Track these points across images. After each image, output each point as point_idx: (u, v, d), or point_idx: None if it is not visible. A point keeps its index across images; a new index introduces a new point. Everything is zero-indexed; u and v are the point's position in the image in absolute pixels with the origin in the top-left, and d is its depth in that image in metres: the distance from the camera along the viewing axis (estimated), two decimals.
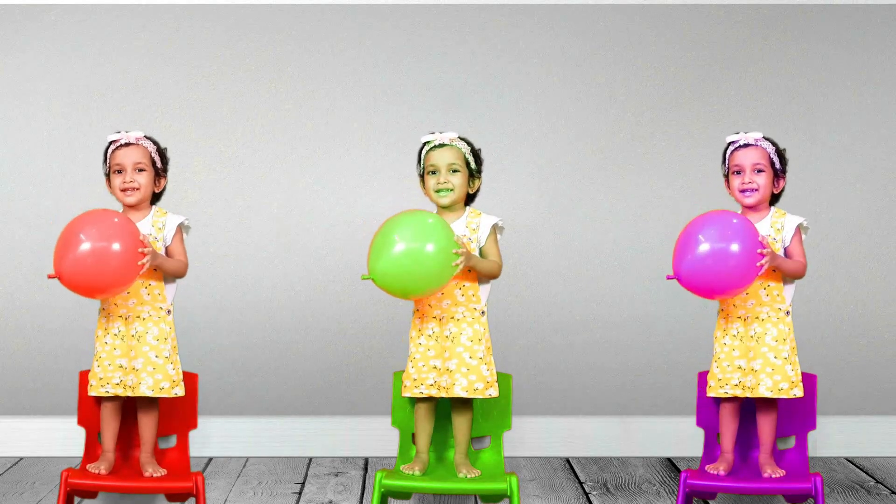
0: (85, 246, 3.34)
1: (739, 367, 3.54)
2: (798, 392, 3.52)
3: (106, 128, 4.40)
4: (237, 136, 4.46)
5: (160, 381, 3.51)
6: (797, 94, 4.48)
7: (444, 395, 3.50)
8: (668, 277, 3.44)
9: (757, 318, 3.54)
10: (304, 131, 4.47)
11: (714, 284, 3.40)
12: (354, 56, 4.47)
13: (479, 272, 3.53)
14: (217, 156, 4.46)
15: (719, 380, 3.56)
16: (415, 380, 3.52)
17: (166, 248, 3.58)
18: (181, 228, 3.61)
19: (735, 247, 3.38)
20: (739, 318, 3.56)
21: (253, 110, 4.46)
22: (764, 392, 3.49)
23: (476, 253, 3.55)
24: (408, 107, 4.46)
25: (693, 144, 4.47)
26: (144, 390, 3.50)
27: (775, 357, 3.51)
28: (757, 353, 3.52)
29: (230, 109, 4.46)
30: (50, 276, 3.37)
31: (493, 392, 3.52)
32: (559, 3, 4.48)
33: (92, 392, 3.53)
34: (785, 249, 3.55)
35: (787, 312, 3.55)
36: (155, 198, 3.64)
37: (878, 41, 4.48)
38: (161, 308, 3.55)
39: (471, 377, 3.49)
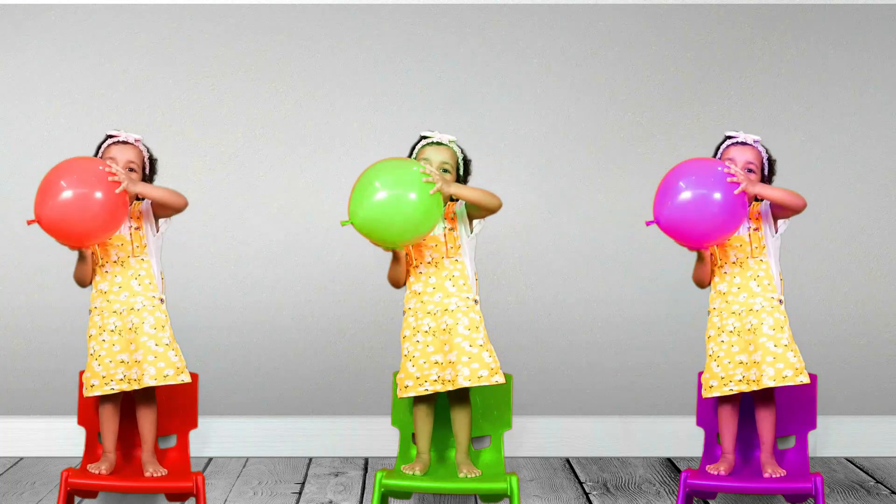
0: (66, 192, 3.33)
1: (741, 363, 3.52)
2: (804, 378, 3.46)
3: (106, 128, 4.40)
4: (237, 136, 4.47)
5: (163, 370, 3.49)
6: (797, 94, 4.48)
7: (449, 388, 3.47)
8: (648, 223, 3.43)
9: (751, 310, 3.53)
10: (304, 131, 4.47)
11: (697, 229, 3.39)
12: (354, 56, 4.47)
13: (469, 200, 3.48)
14: (217, 156, 4.46)
15: (721, 378, 3.52)
16: (417, 378, 3.49)
17: (151, 206, 3.57)
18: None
19: (717, 193, 3.36)
20: (734, 313, 3.54)
21: (253, 110, 4.46)
22: (768, 382, 3.45)
23: (463, 232, 3.56)
24: (408, 107, 4.46)
25: (693, 144, 4.47)
26: (148, 381, 3.47)
27: (775, 346, 3.48)
28: (756, 345, 3.50)
29: (230, 109, 4.46)
30: (29, 222, 3.37)
31: (500, 378, 3.47)
32: (559, 3, 4.48)
33: (95, 392, 3.50)
34: (771, 207, 3.54)
35: (780, 301, 3.54)
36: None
37: (878, 41, 4.48)
38: (154, 297, 3.55)
39: (473, 365, 3.47)
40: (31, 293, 4.42)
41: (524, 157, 4.47)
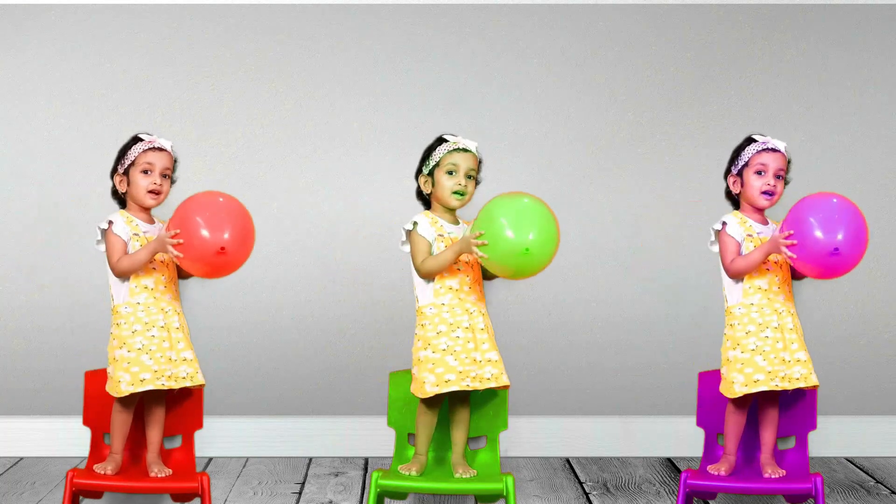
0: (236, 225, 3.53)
1: (784, 360, 3.53)
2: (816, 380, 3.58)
3: (106, 128, 4.41)
4: (237, 136, 4.46)
5: (195, 372, 3.56)
6: (797, 94, 4.48)
7: (485, 385, 3.46)
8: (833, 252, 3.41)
9: (790, 312, 3.57)
10: (304, 131, 4.47)
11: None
12: (354, 56, 4.47)
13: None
14: (217, 156, 4.46)
15: (769, 372, 3.51)
16: (460, 372, 3.45)
17: None
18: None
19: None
20: (776, 311, 3.56)
21: (253, 110, 4.46)
22: (815, 380, 3.52)
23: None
24: (408, 107, 4.46)
25: (693, 144, 4.47)
26: (200, 378, 3.54)
27: (800, 348, 3.55)
28: (801, 345, 3.54)
29: (230, 109, 4.46)
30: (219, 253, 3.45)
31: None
32: (559, 3, 4.48)
33: (147, 386, 3.47)
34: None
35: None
36: None
37: (878, 41, 4.48)
38: (179, 304, 3.62)
39: (497, 368, 3.50)
40: (31, 293, 4.42)
41: (524, 157, 4.47)
